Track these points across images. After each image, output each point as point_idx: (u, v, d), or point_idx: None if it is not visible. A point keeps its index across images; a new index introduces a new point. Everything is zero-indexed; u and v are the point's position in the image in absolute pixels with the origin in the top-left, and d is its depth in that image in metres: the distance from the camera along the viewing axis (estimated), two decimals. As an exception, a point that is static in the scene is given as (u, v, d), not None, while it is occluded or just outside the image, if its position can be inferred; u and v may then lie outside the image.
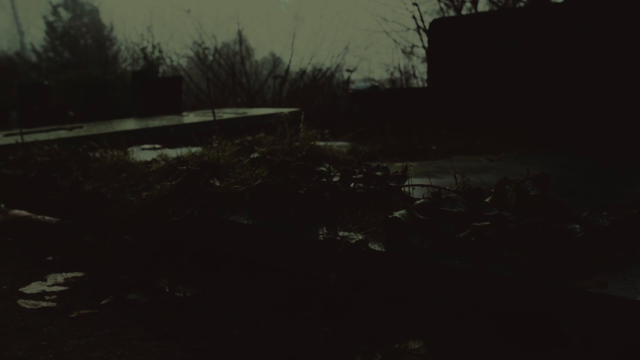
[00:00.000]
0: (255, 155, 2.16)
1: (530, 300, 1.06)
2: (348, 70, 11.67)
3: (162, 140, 4.56)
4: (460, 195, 1.36)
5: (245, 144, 2.31)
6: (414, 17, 8.38)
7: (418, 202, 1.34)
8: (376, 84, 6.88)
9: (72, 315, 1.33)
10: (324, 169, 1.86)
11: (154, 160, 2.39)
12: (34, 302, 1.42)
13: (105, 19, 17.89)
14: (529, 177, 1.34)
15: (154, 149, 3.88)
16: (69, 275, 1.64)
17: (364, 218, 1.44)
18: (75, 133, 4.63)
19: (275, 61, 13.13)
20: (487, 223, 1.20)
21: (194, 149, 2.67)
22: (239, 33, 12.17)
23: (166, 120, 5.90)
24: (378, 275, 1.24)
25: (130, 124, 5.58)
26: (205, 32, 15.25)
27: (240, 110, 7.08)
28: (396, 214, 1.27)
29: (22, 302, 1.41)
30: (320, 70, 11.99)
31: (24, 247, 2.01)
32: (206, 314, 1.32)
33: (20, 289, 1.52)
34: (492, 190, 1.37)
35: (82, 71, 11.97)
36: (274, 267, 1.49)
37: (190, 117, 6.30)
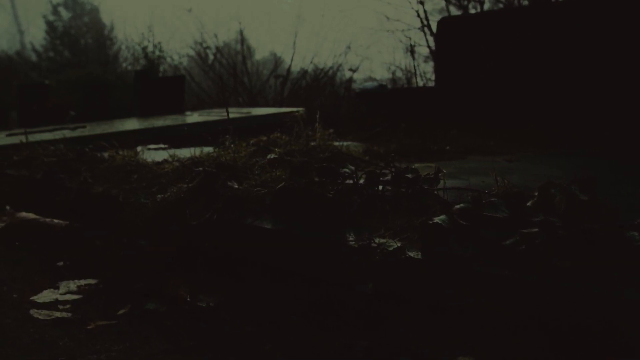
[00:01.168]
0: (272, 156, 2.08)
1: (588, 312, 0.98)
2: (351, 70, 11.59)
3: (168, 140, 4.48)
4: (501, 199, 1.28)
5: (261, 144, 2.23)
6: (418, 16, 8.27)
7: (458, 206, 1.26)
8: (384, 83, 6.80)
9: (89, 327, 1.24)
10: (347, 170, 1.78)
11: (165, 160, 2.31)
12: (47, 312, 1.33)
13: (106, 18, 17.78)
14: (575, 181, 1.26)
15: (161, 148, 3.80)
16: (82, 282, 1.56)
17: (397, 223, 1.37)
18: (79, 133, 4.54)
19: (277, 61, 13.05)
20: (536, 230, 1.12)
21: (206, 149, 2.59)
22: (241, 32, 12.08)
23: (170, 120, 5.81)
24: (417, 285, 1.16)
25: (134, 124, 5.49)
26: (207, 31, 15.17)
27: (245, 110, 7.00)
28: (436, 220, 1.19)
29: (34, 313, 1.33)
30: (322, 69, 11.91)
31: (32, 251, 1.93)
32: (232, 326, 1.24)
33: (31, 298, 1.44)
34: (536, 194, 1.29)
35: (83, 71, 11.88)
36: (299, 274, 1.40)
37: (194, 117, 6.22)
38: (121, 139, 3.30)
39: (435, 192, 1.54)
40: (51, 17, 16.92)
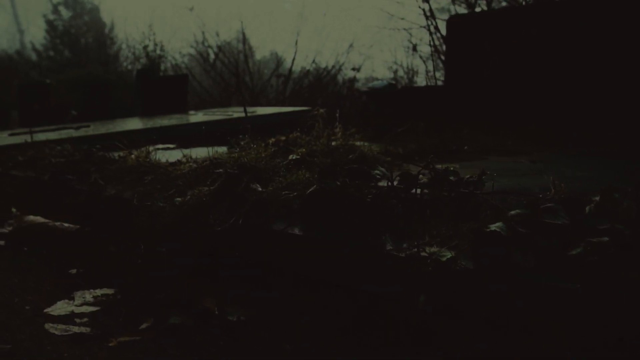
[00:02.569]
0: (294, 156, 1.97)
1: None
2: (354, 69, 11.49)
3: (174, 140, 4.37)
4: (558, 204, 1.18)
5: (281, 144, 2.13)
6: (424, 14, 8.14)
7: (513, 212, 1.15)
8: (393, 82, 6.70)
9: (110, 344, 1.14)
10: (379, 172, 1.68)
11: (179, 161, 2.20)
12: (63, 326, 1.23)
13: (106, 17, 17.64)
14: (640, 184, 1.16)
15: (169, 148, 3.69)
16: (98, 292, 1.45)
17: (441, 230, 1.26)
18: (83, 132, 4.43)
19: (279, 60, 12.95)
20: (607, 239, 1.02)
21: (219, 149, 2.49)
22: (242, 31, 11.98)
23: (175, 119, 5.71)
24: (473, 298, 1.06)
25: (138, 123, 5.39)
26: (208, 30, 15.05)
27: (249, 109, 6.89)
28: (493, 227, 1.09)
29: (50, 327, 1.22)
30: (325, 68, 11.82)
31: (42, 257, 1.82)
32: (268, 343, 1.13)
33: (45, 310, 1.33)
34: (596, 198, 1.18)
35: (83, 70, 11.77)
36: (335, 284, 1.30)
37: (199, 116, 6.11)
38: (128, 138, 3.20)
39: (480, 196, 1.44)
40: (51, 16, 16.78)
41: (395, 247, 1.19)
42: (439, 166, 2.62)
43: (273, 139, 2.30)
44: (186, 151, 2.60)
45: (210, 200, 1.57)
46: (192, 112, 7.25)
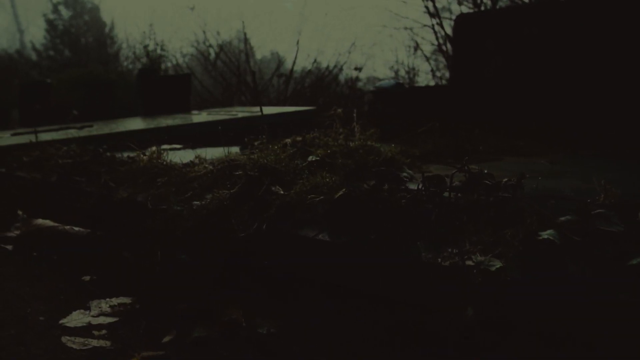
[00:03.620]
0: (313, 158, 1.90)
1: None
2: (356, 69, 11.43)
3: (179, 140, 4.30)
4: (610, 210, 1.11)
5: (298, 145, 2.05)
6: (428, 12, 8.07)
7: (562, 219, 1.08)
8: (400, 81, 6.63)
9: None
10: (406, 174, 1.61)
11: (192, 162, 2.13)
12: (81, 339, 1.15)
13: (106, 17, 17.55)
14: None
15: (175, 149, 3.61)
16: (115, 301, 1.38)
17: (480, 237, 1.19)
18: (87, 132, 4.35)
19: (280, 60, 12.89)
20: (673, 248, 0.94)
21: (232, 150, 2.42)
22: (244, 31, 11.90)
23: (180, 119, 5.63)
24: (526, 311, 0.99)
25: (142, 123, 5.31)
26: (209, 30, 14.99)
27: (254, 109, 6.82)
28: (545, 235, 1.01)
29: (67, 341, 1.15)
30: (327, 67, 11.76)
31: (52, 263, 1.75)
32: (300, 359, 1.06)
33: (60, 321, 1.26)
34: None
35: (84, 70, 11.70)
36: (369, 294, 1.23)
37: (203, 116, 6.03)
38: (135, 138, 3.12)
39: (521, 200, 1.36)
40: (51, 16, 16.69)
41: (435, 255, 1.12)
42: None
43: (289, 140, 2.22)
44: (197, 152, 2.52)
45: (232, 204, 1.50)
46: (195, 112, 7.17)
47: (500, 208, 1.26)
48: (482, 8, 7.40)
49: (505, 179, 1.38)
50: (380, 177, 1.51)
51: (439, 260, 1.10)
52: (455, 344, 1.05)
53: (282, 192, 1.57)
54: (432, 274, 1.10)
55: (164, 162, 2.01)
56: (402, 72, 11.39)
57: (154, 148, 2.56)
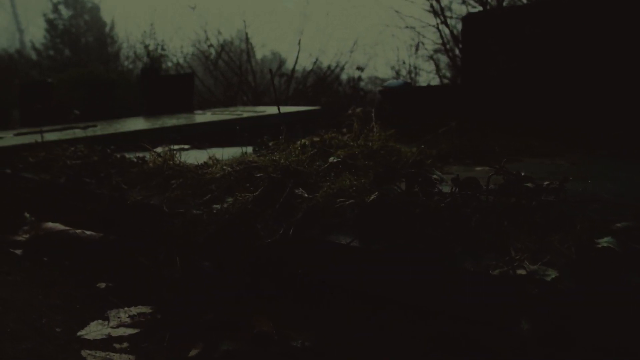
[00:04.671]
0: (334, 159, 1.83)
1: None
2: (358, 68, 11.37)
3: (186, 140, 4.23)
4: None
5: (317, 146, 1.98)
6: (432, 11, 8.00)
7: (619, 225, 1.01)
8: (409, 80, 6.56)
9: (160, 376, 0.99)
10: (436, 176, 1.54)
11: (206, 164, 2.05)
12: (103, 354, 1.08)
13: (106, 16, 17.47)
14: None
15: (183, 149, 3.54)
16: (134, 311, 1.31)
17: (525, 244, 1.12)
18: (91, 132, 4.28)
19: (281, 59, 12.84)
20: None
21: (249, 149, 2.35)
22: (245, 30, 11.84)
23: (184, 119, 5.56)
24: (585, 324, 0.92)
25: (147, 123, 5.24)
26: (210, 29, 14.92)
27: (258, 109, 6.75)
28: (604, 243, 0.95)
29: (88, 355, 1.07)
30: (328, 67, 11.70)
31: (64, 269, 1.67)
32: (340, 374, 0.99)
33: (79, 333, 1.19)
34: None
35: (85, 69, 11.63)
36: (407, 304, 1.16)
37: (208, 116, 5.96)
38: (141, 138, 3.04)
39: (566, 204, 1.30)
40: (51, 16, 16.61)
41: (481, 263, 1.05)
42: (479, 169, 2.47)
43: (305, 140, 2.15)
44: (207, 152, 2.44)
45: (255, 208, 1.43)
46: (199, 111, 7.10)
47: (545, 212, 1.19)
48: (488, 7, 7.33)
49: (547, 182, 1.31)
50: (410, 179, 1.44)
51: (487, 269, 1.03)
52: (506, 358, 0.98)
53: (306, 195, 1.50)
54: (478, 284, 1.03)
55: (181, 164, 1.94)
56: (403, 72, 11.33)
57: (165, 148, 2.49)
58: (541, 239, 1.12)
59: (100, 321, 1.25)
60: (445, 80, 10.23)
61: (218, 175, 1.75)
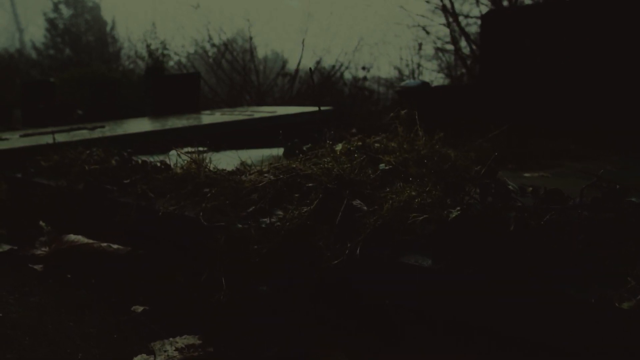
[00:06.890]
0: (385, 166, 1.67)
1: None
2: (364, 68, 11.23)
3: (198, 142, 4.06)
4: None
5: (362, 150, 1.83)
6: (444, 9, 7.82)
7: None
8: (427, 80, 6.41)
9: None
10: (511, 187, 1.38)
11: (238, 170, 1.89)
12: (157, 399, 0.92)
13: (107, 15, 17.30)
14: None
15: (199, 152, 3.38)
16: (180, 342, 1.15)
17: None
18: (100, 133, 4.11)
19: (284, 59, 12.70)
20: None
21: (272, 152, 2.21)
22: (249, 29, 11.69)
23: (194, 120, 5.40)
24: None
25: (155, 124, 5.07)
26: (213, 28, 14.77)
27: (268, 109, 6.59)
28: None
29: (140, 402, 0.92)
30: (333, 66, 11.55)
31: (92, 289, 1.51)
32: None
33: (124, 371, 1.03)
34: None
35: (87, 69, 11.47)
36: (503, 335, 1.00)
37: (217, 116, 5.79)
38: (153, 139, 2.88)
39: None
40: (52, 15, 16.42)
41: (591, 292, 0.89)
42: (527, 175, 2.29)
43: (343, 144, 1.99)
44: (227, 154, 2.27)
45: (314, 223, 1.27)
46: (207, 112, 6.93)
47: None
48: (505, 4, 7.18)
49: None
50: (485, 191, 1.28)
51: (608, 300, 0.87)
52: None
53: (365, 207, 1.35)
54: (597, 316, 0.87)
55: (217, 170, 1.78)
56: (406, 72, 11.20)
57: (199, 151, 2.33)
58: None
59: (145, 355, 1.10)
60: (448, 80, 10.09)
61: (261, 184, 1.59)
